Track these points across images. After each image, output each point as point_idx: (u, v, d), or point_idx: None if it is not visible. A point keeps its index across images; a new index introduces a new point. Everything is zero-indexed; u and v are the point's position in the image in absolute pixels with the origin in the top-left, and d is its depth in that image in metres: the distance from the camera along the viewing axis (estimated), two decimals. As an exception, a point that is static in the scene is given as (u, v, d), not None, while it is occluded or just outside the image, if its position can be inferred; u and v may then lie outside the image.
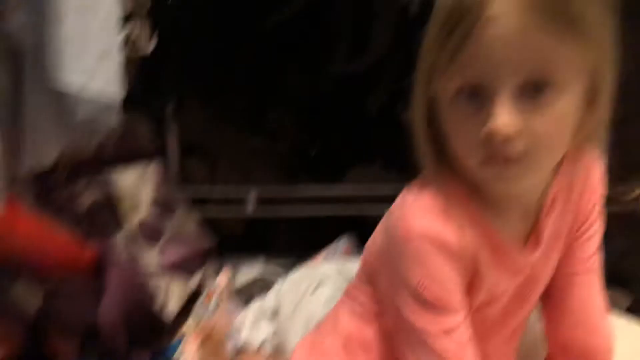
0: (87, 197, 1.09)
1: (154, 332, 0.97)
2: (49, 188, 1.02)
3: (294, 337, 0.97)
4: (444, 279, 0.59)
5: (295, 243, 1.54)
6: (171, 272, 1.13)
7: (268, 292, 1.10)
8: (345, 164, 1.56)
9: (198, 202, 1.37)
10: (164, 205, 1.22)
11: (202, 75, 1.20)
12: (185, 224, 1.25)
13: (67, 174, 1.05)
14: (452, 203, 0.59)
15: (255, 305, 1.11)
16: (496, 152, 0.53)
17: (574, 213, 0.67)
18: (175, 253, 1.18)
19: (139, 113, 1.34)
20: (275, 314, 1.06)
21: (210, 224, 1.35)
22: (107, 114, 0.85)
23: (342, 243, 1.35)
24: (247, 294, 1.15)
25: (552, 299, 0.73)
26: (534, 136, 0.52)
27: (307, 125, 1.48)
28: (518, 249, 0.64)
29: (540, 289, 0.70)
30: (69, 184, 1.06)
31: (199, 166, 1.41)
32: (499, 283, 0.65)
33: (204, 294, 1.01)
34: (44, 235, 0.86)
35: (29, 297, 0.87)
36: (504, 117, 0.51)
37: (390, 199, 0.67)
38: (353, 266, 1.17)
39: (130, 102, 1.35)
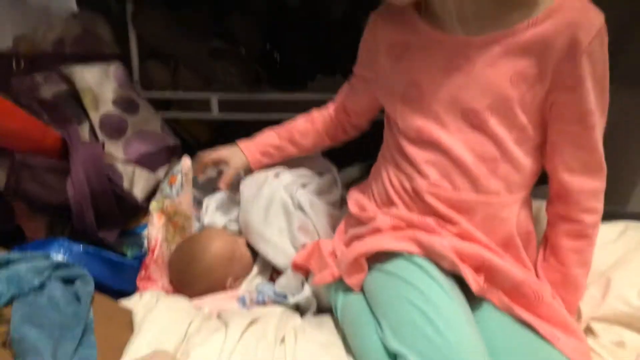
0: (49, 89, 1.09)
1: (121, 211, 1.01)
2: (7, 74, 1.02)
3: (256, 216, 1.03)
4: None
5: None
6: (136, 165, 1.16)
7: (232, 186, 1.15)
8: (307, 73, 1.58)
9: (161, 106, 1.39)
10: (126, 104, 1.23)
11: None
12: (149, 122, 1.27)
13: (26, 63, 1.04)
14: None
15: (220, 194, 1.16)
16: None
17: (555, 51, 0.73)
18: (139, 148, 1.20)
19: (98, 14, 1.33)
20: (238, 201, 1.11)
21: (173, 127, 1.37)
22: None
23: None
24: (210, 188, 1.19)
25: (551, 146, 0.80)
26: None
27: (269, 31, 1.48)
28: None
29: (482, 101, 0.77)
30: (28, 73, 1.06)
31: (160, 70, 1.41)
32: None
33: (168, 176, 1.05)
34: (6, 115, 0.87)
35: (-5, 173, 0.89)
36: None
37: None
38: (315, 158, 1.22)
39: (88, 0, 1.34)
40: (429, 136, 0.81)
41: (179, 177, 1.03)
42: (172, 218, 1.01)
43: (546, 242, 0.85)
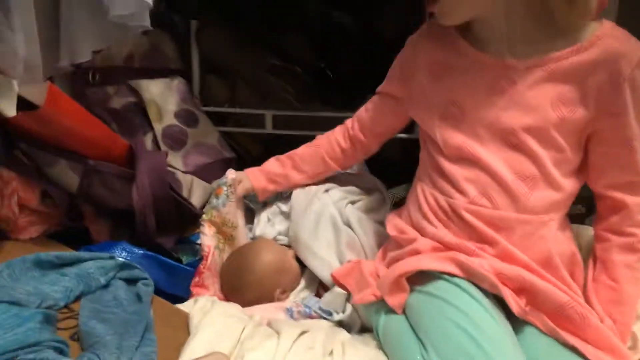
0: (118, 100, 1.17)
1: (180, 218, 1.06)
2: (84, 85, 1.10)
3: (305, 231, 1.06)
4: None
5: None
6: (193, 175, 1.22)
7: (282, 198, 1.19)
8: (359, 92, 1.61)
9: (217, 120, 1.44)
10: (187, 117, 1.30)
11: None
12: (207, 135, 1.33)
13: (100, 75, 1.12)
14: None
15: (271, 207, 1.20)
16: None
17: (596, 79, 0.76)
18: (197, 160, 1.27)
19: (164, 31, 1.41)
20: (288, 214, 1.14)
21: (227, 141, 1.42)
22: (140, 14, 0.90)
23: (355, 167, 1.40)
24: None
25: (594, 168, 0.83)
26: None
27: (323, 50, 1.53)
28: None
29: (522, 122, 0.79)
30: (101, 85, 1.14)
31: (219, 86, 1.48)
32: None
33: (214, 188, 1.09)
34: (83, 123, 0.94)
35: (69, 177, 0.96)
36: None
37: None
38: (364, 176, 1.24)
39: (156, 19, 1.41)
40: (469, 153, 0.82)
41: (224, 189, 1.08)
42: (220, 228, 1.06)
43: (595, 261, 0.85)
